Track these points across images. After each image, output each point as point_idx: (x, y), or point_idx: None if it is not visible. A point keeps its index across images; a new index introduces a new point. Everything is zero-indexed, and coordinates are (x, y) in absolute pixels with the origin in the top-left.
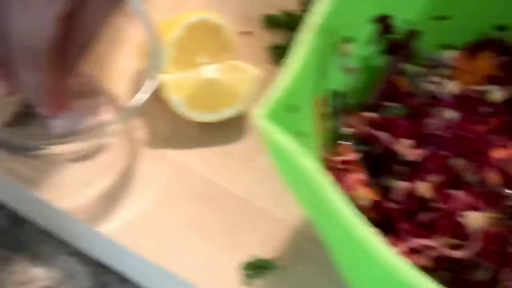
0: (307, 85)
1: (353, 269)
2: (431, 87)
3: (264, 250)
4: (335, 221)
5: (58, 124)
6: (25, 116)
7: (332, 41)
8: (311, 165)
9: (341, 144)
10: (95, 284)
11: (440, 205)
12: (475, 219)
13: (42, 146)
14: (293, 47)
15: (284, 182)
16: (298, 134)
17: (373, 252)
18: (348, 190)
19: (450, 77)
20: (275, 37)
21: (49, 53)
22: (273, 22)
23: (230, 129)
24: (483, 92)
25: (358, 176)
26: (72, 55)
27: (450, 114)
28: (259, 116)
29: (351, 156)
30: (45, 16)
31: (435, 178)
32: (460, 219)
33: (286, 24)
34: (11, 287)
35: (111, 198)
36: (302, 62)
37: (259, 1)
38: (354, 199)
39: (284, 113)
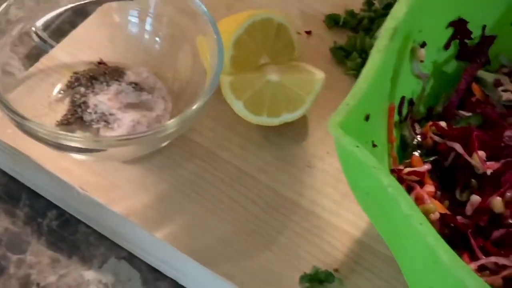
0: (380, 93)
1: (423, 286)
2: (508, 96)
3: (324, 262)
4: (410, 241)
5: (114, 125)
6: (79, 116)
7: (406, 45)
8: (390, 181)
9: (413, 154)
10: None
11: None
12: None
13: (97, 148)
14: (370, 53)
15: (356, 195)
16: (371, 144)
17: (450, 269)
18: (417, 202)
19: None
20: (338, 38)
21: None
22: (336, 22)
23: (289, 133)
24: None
25: (427, 188)
26: None
27: None
28: (333, 126)
29: (422, 167)
30: None
31: (510, 192)
32: None
33: (349, 25)
34: None
35: (167, 202)
36: (378, 70)
37: (325, 0)
38: (423, 212)
39: (357, 122)
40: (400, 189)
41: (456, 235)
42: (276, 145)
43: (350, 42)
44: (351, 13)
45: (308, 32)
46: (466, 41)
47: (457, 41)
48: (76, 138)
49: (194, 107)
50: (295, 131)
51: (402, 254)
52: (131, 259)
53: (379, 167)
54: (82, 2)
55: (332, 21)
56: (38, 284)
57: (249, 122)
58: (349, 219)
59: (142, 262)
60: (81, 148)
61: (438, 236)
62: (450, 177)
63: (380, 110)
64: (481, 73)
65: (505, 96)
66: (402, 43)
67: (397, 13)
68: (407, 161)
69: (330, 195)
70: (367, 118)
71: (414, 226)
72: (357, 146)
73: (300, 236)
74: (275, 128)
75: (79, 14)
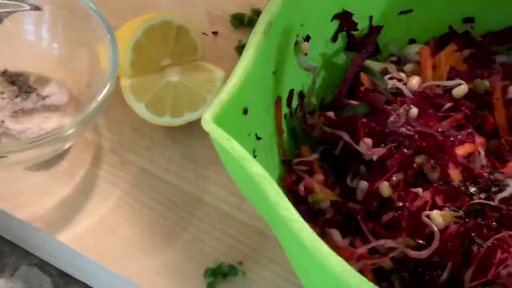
0: (260, 86)
1: (302, 271)
2: (394, 83)
3: (229, 256)
4: (282, 227)
5: (14, 131)
6: None
7: (289, 39)
8: (257, 170)
9: (302, 145)
10: None
11: (402, 204)
12: (437, 218)
13: None
14: (245, 48)
15: (240, 187)
16: (254, 137)
17: (316, 256)
18: (307, 191)
19: (414, 72)
20: (243, 37)
21: None
22: (241, 22)
23: (194, 132)
24: (446, 87)
25: (317, 177)
26: None
27: (412, 111)
28: (206, 121)
29: (311, 157)
30: None
31: (396, 176)
32: (421, 218)
33: (254, 24)
34: None
35: (72, 206)
36: (251, 64)
37: (232, 0)
38: (314, 201)
39: (234, 116)
40: (267, 177)
41: (349, 220)
42: (181, 144)
43: None
44: (256, 12)
45: (215, 33)
46: (353, 32)
47: (345, 33)
48: None
49: (89, 108)
50: (200, 129)
51: (282, 241)
52: (42, 265)
53: (248, 158)
54: None
55: (238, 21)
56: None
57: (154, 124)
58: (253, 213)
59: (53, 267)
60: None
61: (302, 221)
62: (342, 165)
63: (263, 103)
64: (369, 63)
65: (391, 83)
66: (283, 37)
67: (272, 7)
68: (298, 151)
69: (235, 190)
70: (245, 111)
71: (279, 212)
72: (228, 139)
73: (205, 231)
74: (181, 128)
75: None
